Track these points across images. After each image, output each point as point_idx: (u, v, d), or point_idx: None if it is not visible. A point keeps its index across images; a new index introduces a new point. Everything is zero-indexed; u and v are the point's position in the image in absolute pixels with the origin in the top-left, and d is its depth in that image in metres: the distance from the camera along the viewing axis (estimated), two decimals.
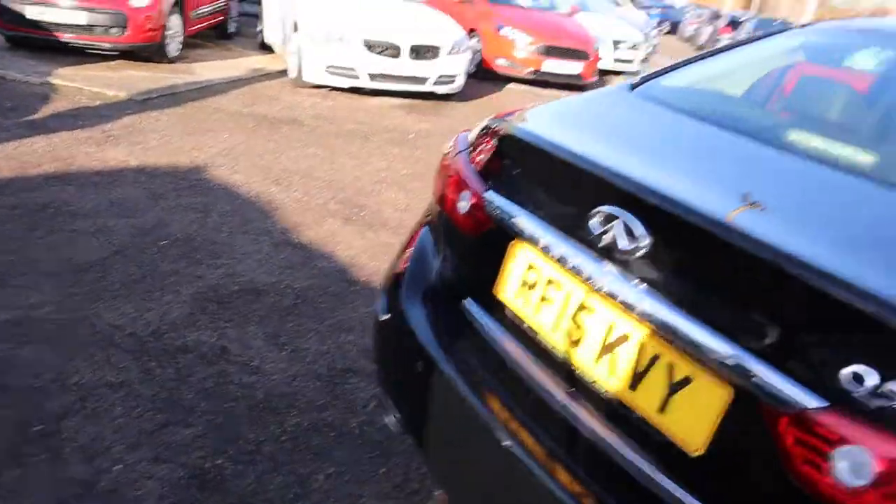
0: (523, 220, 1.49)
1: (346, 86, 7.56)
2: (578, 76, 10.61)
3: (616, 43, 12.87)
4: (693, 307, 1.13)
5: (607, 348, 1.28)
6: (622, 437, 1.25)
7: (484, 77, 10.03)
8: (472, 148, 1.81)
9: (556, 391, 1.39)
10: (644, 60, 13.40)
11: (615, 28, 13.20)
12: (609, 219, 1.27)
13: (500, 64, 10.11)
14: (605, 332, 1.29)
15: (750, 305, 1.09)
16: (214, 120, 5.95)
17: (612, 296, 1.25)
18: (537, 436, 1.37)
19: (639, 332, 1.22)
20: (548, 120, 1.81)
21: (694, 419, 1.11)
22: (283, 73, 8.13)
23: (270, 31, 8.92)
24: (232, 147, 5.29)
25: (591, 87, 11.32)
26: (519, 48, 10.07)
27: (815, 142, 1.68)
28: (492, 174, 1.66)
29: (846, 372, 0.92)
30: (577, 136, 1.60)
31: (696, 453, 1.10)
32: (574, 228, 1.35)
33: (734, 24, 22.11)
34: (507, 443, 1.37)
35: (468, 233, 1.69)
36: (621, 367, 1.25)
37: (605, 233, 1.27)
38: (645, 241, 1.21)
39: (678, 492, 1.13)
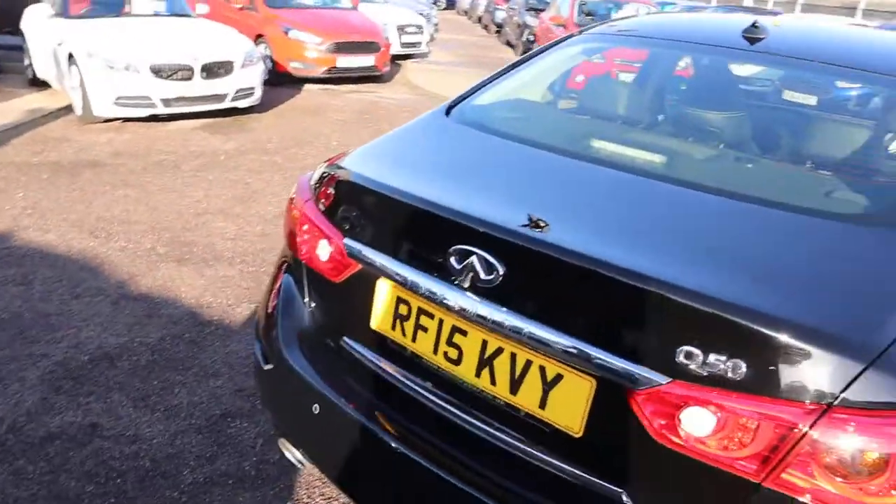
0: (385, 262, 1.66)
1: (141, 115, 7.21)
2: (373, 67, 10.85)
3: (401, 28, 13.27)
4: (553, 318, 1.38)
5: (485, 362, 1.50)
6: (515, 432, 1.48)
7: (278, 82, 9.92)
8: (316, 195, 1.93)
9: (449, 405, 1.60)
10: (430, 41, 13.92)
11: (398, 14, 13.61)
12: (465, 254, 1.48)
13: (295, 67, 10.07)
14: (480, 349, 1.51)
15: (595, 310, 1.36)
16: (2, 177, 5.47)
17: (481, 318, 1.47)
18: (439, 446, 1.58)
19: (510, 346, 1.45)
20: (378, 161, 1.98)
21: (570, 408, 1.37)
22: (67, 109, 7.55)
23: (42, 64, 8.19)
24: (33, 204, 4.92)
25: (385, 76, 11.61)
26: (310, 49, 10.09)
27: (613, 147, 2.00)
28: (344, 220, 1.81)
29: (679, 352, 1.22)
30: (410, 177, 1.81)
31: (578, 435, 1.36)
32: (434, 266, 1.55)
33: None
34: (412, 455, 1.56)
35: (332, 277, 1.83)
36: (501, 375, 1.48)
37: (464, 267, 1.48)
38: (500, 269, 1.43)
39: (570, 468, 1.39)
